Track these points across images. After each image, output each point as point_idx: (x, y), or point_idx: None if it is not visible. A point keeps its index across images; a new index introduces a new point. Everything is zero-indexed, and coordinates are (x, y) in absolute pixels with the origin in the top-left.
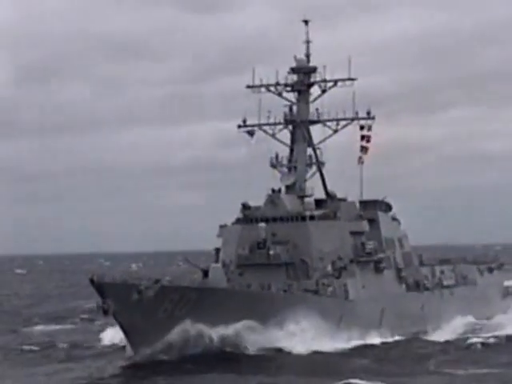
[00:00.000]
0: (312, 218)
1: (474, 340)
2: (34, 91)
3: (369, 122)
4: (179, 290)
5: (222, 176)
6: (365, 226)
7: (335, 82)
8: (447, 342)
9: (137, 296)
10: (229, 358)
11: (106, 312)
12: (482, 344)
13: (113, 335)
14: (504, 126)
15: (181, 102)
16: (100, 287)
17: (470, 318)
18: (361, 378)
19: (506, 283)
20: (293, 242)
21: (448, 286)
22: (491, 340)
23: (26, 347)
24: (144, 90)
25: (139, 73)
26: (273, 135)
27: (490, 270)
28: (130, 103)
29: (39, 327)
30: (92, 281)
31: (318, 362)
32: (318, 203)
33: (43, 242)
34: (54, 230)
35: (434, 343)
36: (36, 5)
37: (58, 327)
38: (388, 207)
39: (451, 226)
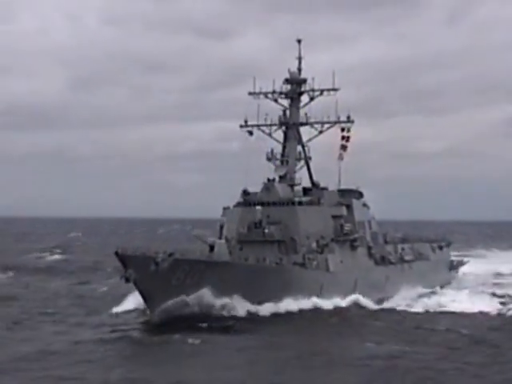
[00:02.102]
0: (300, 203)
1: None
2: (83, 95)
3: (348, 124)
4: (190, 262)
5: (222, 164)
6: (343, 210)
7: (321, 91)
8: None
9: (154, 267)
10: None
11: (127, 280)
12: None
13: None
14: (435, 131)
15: (193, 106)
16: (123, 259)
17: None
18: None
19: (452, 258)
20: (284, 222)
21: (407, 261)
22: None
23: None
24: (165, 96)
25: (162, 82)
26: (269, 134)
27: (440, 248)
28: (154, 105)
29: None
30: (117, 253)
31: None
32: (305, 191)
33: (87, 209)
34: (94, 199)
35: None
36: (86, 33)
37: None
38: (360, 195)
39: (396, 206)
